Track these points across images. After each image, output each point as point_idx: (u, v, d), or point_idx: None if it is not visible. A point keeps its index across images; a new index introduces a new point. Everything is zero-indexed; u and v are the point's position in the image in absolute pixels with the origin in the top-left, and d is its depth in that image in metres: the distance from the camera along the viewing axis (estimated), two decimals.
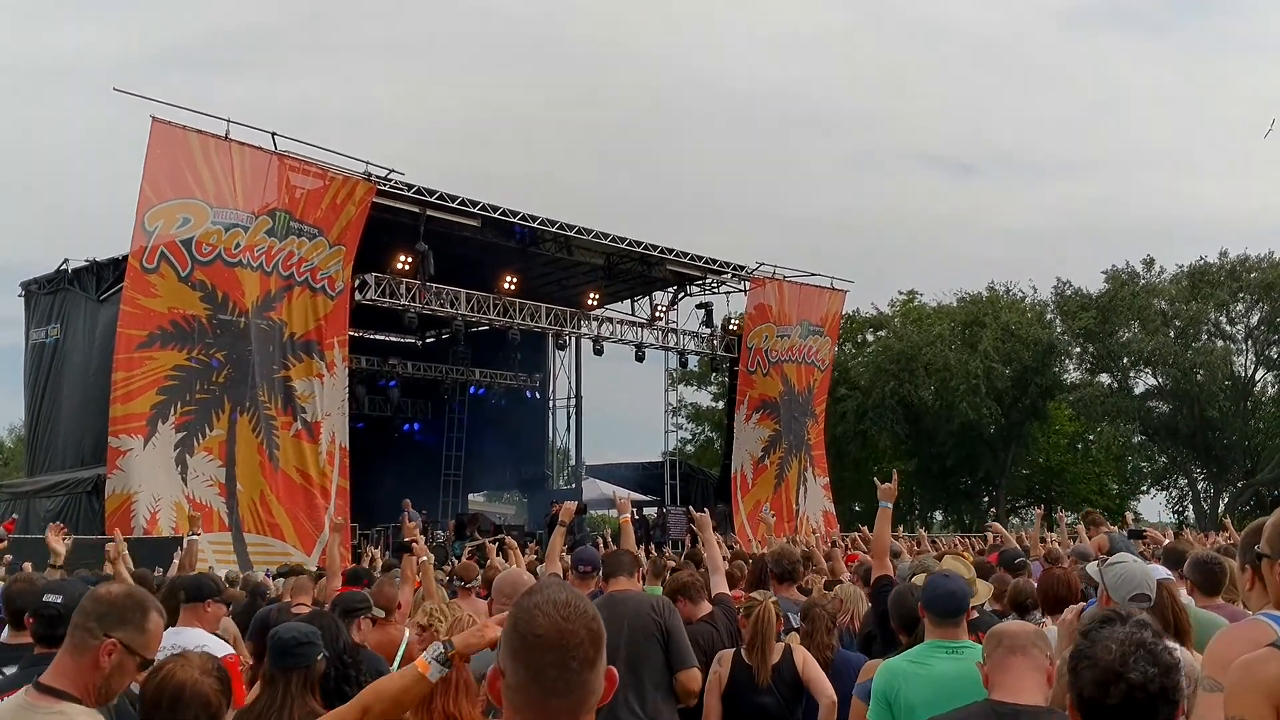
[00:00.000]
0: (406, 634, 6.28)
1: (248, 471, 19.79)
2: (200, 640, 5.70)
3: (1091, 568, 5.32)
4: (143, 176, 19.00)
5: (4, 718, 3.24)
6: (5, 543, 9.71)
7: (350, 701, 3.58)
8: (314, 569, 13.04)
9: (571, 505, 8.79)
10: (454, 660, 3.46)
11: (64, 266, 22.71)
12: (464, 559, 10.01)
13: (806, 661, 5.96)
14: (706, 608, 7.14)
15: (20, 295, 23.90)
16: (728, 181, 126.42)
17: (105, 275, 21.55)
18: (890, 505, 6.99)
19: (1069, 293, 47.43)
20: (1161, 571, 5.55)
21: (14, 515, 19.85)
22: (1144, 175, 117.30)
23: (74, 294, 22.32)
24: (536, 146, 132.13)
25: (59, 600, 4.06)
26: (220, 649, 5.83)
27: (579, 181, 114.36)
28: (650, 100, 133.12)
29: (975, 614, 5.52)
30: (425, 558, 8.45)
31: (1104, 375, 47.89)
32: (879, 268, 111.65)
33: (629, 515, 8.54)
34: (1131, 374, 47.48)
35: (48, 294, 23.15)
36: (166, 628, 5.79)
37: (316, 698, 4.45)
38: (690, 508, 9.64)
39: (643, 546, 20.75)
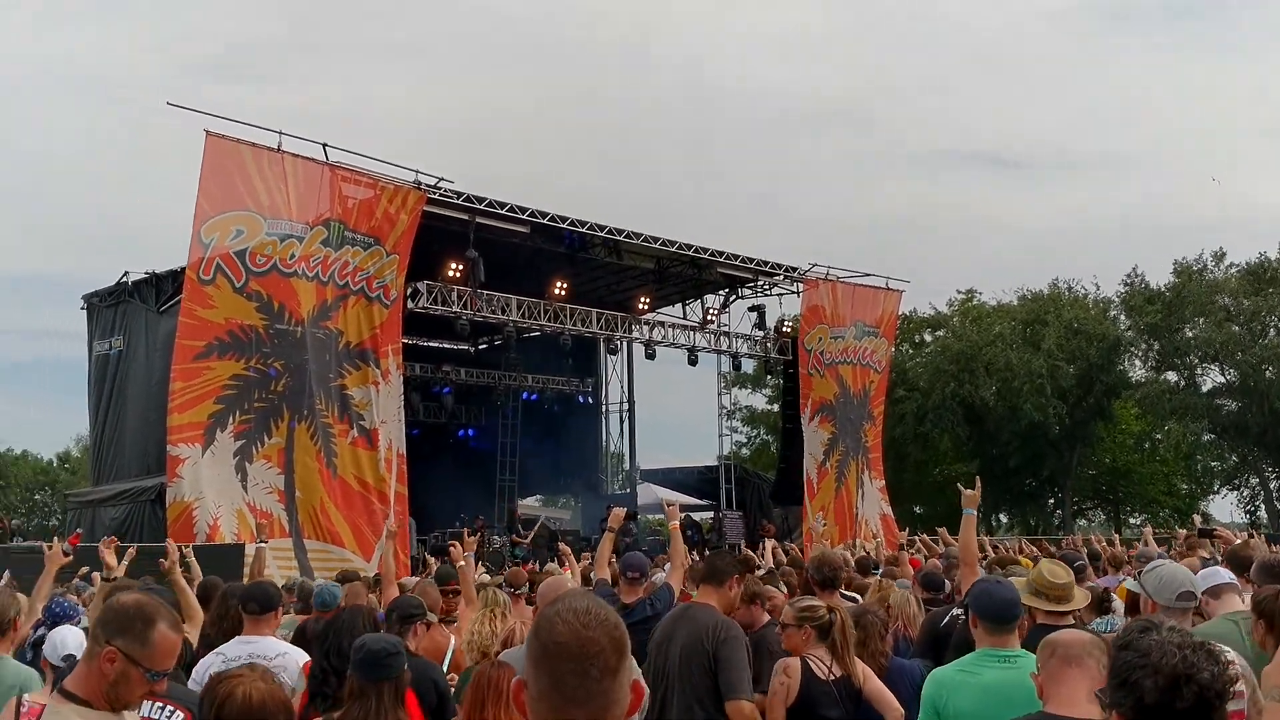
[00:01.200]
0: (453, 640, 6.85)
1: (306, 479, 20.22)
2: (278, 648, 6.08)
3: (1130, 582, 5.45)
4: (198, 189, 19.45)
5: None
6: (70, 556, 10.18)
7: None
8: (374, 575, 13.41)
9: (620, 511, 8.87)
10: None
11: (124, 279, 23.33)
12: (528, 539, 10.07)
13: (868, 675, 5.89)
14: (764, 617, 7.13)
15: (83, 308, 24.64)
16: (780, 185, 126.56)
17: (165, 287, 22.11)
18: (974, 512, 7.03)
19: (1139, 285, 46.91)
20: (1225, 575, 5.76)
21: (79, 528, 20.46)
22: (1202, 171, 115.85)
23: (134, 306, 22.94)
24: (584, 153, 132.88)
25: None
26: (299, 656, 6.07)
27: (628, 187, 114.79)
28: (698, 103, 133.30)
29: (1070, 620, 5.49)
30: (461, 563, 8.53)
31: (1170, 372, 47.36)
32: (937, 267, 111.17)
33: (678, 521, 8.51)
34: (1199, 370, 46.96)
35: (109, 306, 23.79)
36: (234, 636, 6.30)
37: (404, 708, 4.61)
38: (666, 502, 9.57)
39: (694, 552, 21.13)
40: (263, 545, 10.53)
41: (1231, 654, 3.76)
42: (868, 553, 16.22)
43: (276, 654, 5.95)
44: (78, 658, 4.63)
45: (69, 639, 5.23)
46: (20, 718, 4.50)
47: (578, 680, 2.08)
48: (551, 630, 2.13)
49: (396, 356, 22.18)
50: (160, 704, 4.28)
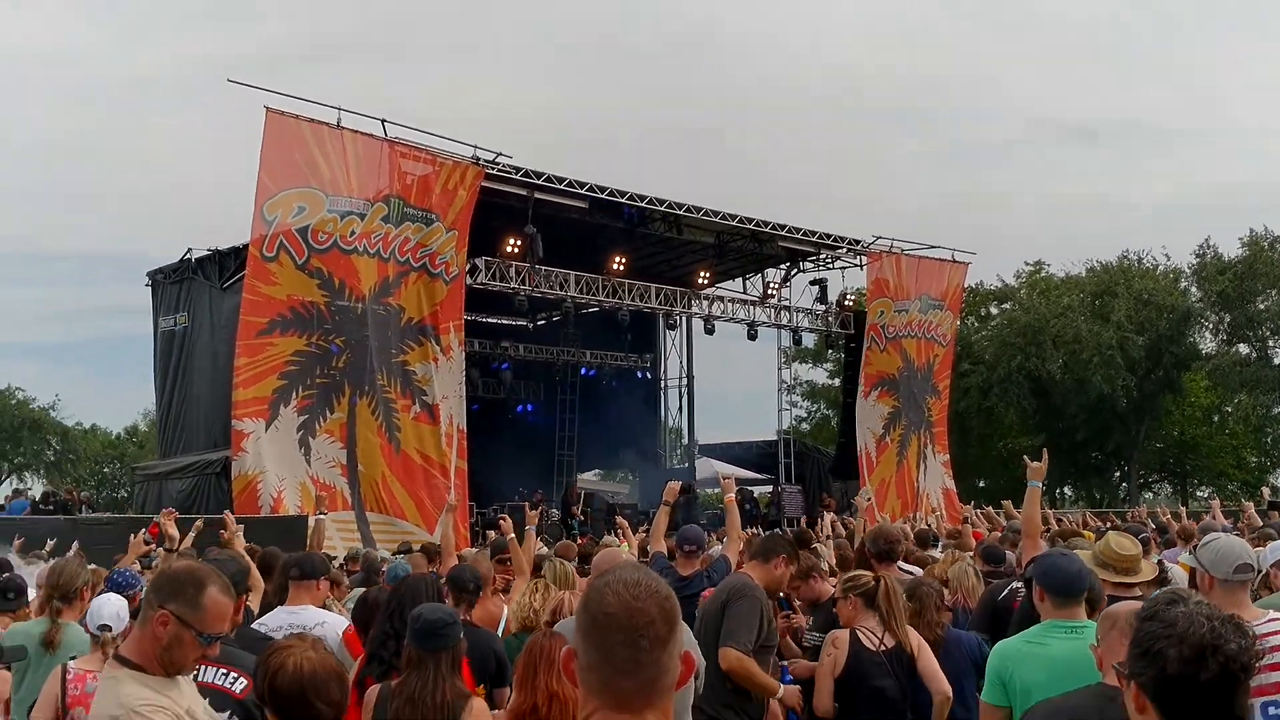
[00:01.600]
0: (505, 610, 6.92)
1: (368, 453, 20.45)
2: (319, 618, 6.13)
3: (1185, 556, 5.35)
4: (260, 166, 19.62)
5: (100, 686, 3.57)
6: (151, 546, 10.42)
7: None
8: (435, 546, 13.53)
9: (676, 485, 8.90)
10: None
11: (188, 256, 23.57)
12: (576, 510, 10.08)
13: (922, 648, 5.92)
14: (828, 589, 7.18)
15: (147, 285, 24.95)
16: (846, 158, 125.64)
17: (227, 264, 22.32)
18: (1039, 485, 6.92)
19: (1210, 257, 46.17)
20: None
21: (156, 519, 20.80)
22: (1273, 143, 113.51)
23: (199, 283, 23.18)
24: (642, 134, 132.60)
25: None
26: (339, 623, 6.20)
27: (687, 167, 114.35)
28: (765, 80, 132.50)
29: (1139, 591, 5.39)
30: (511, 535, 8.64)
31: (1241, 345, 46.72)
32: (1003, 241, 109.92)
33: (733, 495, 8.55)
34: (1271, 343, 46.34)
35: (173, 283, 24.04)
36: (277, 605, 6.42)
37: (460, 676, 4.67)
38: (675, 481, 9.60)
39: (753, 527, 21.11)
40: (322, 517, 10.58)
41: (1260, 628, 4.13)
42: (929, 526, 16.25)
43: (316, 623, 6.01)
44: (112, 627, 5.08)
45: (104, 608, 5.27)
46: (67, 684, 4.84)
47: (627, 651, 2.09)
48: (601, 601, 2.15)
49: (458, 333, 22.29)
50: (224, 670, 4.33)
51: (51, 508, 24.24)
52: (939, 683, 5.79)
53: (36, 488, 47.50)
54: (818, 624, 6.82)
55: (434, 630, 4.56)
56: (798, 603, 7.82)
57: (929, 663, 5.88)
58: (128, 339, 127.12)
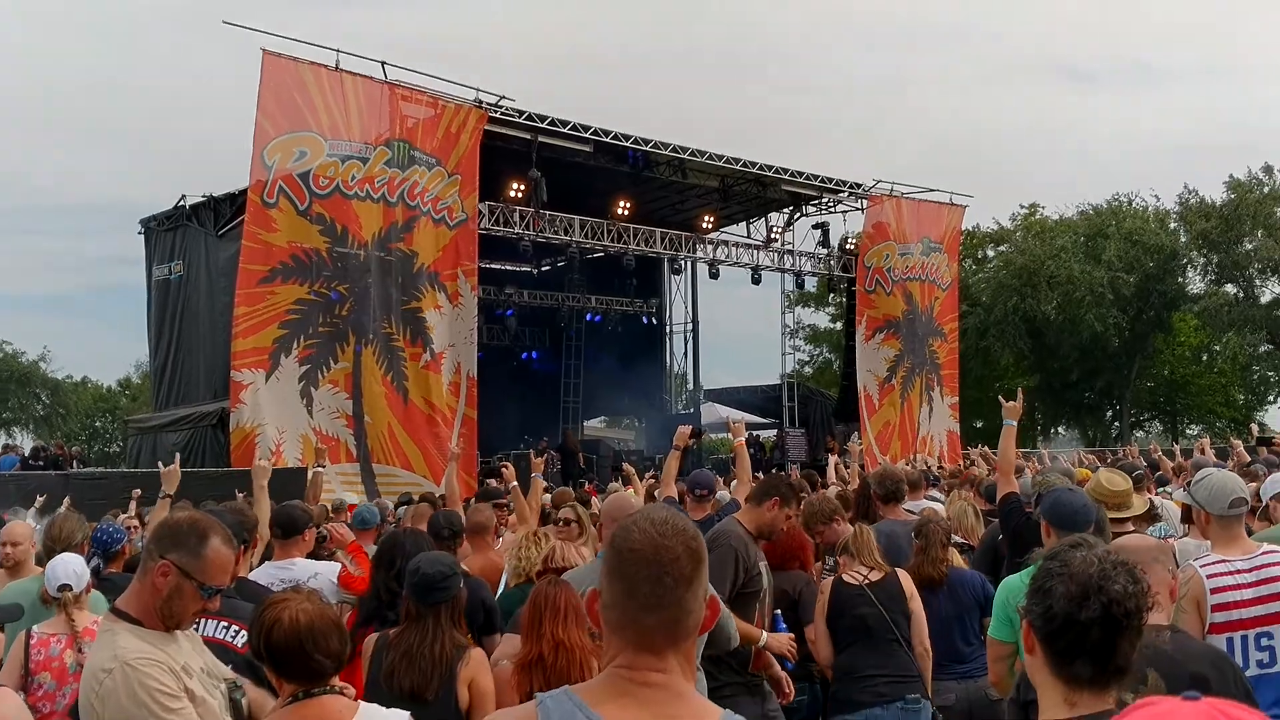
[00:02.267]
0: (520, 557, 6.38)
1: (373, 403, 19.59)
2: (311, 569, 6.03)
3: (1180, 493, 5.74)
4: (257, 110, 18.64)
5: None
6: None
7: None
8: (439, 496, 12.89)
9: (686, 429, 8.52)
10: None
11: (181, 203, 22.55)
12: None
13: (914, 595, 6.06)
14: (846, 528, 7.03)
15: (140, 233, 23.83)
16: (844, 102, 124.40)
17: (223, 211, 21.34)
18: (1015, 424, 6.95)
19: (1193, 202, 45.75)
20: None
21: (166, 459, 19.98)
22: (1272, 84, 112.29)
23: (193, 230, 22.14)
24: (646, 71, 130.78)
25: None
26: (330, 570, 6.12)
27: (690, 106, 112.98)
28: (764, 20, 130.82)
29: (1131, 526, 5.54)
30: (513, 484, 8.52)
31: (1229, 285, 46.31)
32: (1000, 182, 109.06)
33: (743, 439, 8.28)
34: (1258, 283, 45.84)
35: (167, 230, 23.00)
36: (264, 561, 6.26)
37: (462, 628, 4.65)
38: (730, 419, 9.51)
39: (756, 472, 20.32)
40: (320, 470, 10.32)
41: (1232, 570, 4.41)
42: (928, 467, 16.52)
43: (309, 575, 5.87)
44: (73, 586, 4.92)
45: (59, 569, 5.05)
46: (30, 649, 4.76)
47: (651, 587, 2.04)
48: (628, 537, 2.09)
49: (470, 279, 21.41)
50: (225, 623, 4.24)
51: (42, 463, 23.37)
52: (921, 635, 5.95)
53: (26, 443, 46.23)
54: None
55: (433, 584, 4.49)
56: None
57: (919, 611, 6.03)
58: (120, 289, 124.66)
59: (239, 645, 4.18)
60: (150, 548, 3.42)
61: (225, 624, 4.23)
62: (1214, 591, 4.40)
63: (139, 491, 13.13)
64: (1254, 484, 6.37)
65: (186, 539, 3.36)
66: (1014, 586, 4.71)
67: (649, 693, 2.03)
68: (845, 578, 6.08)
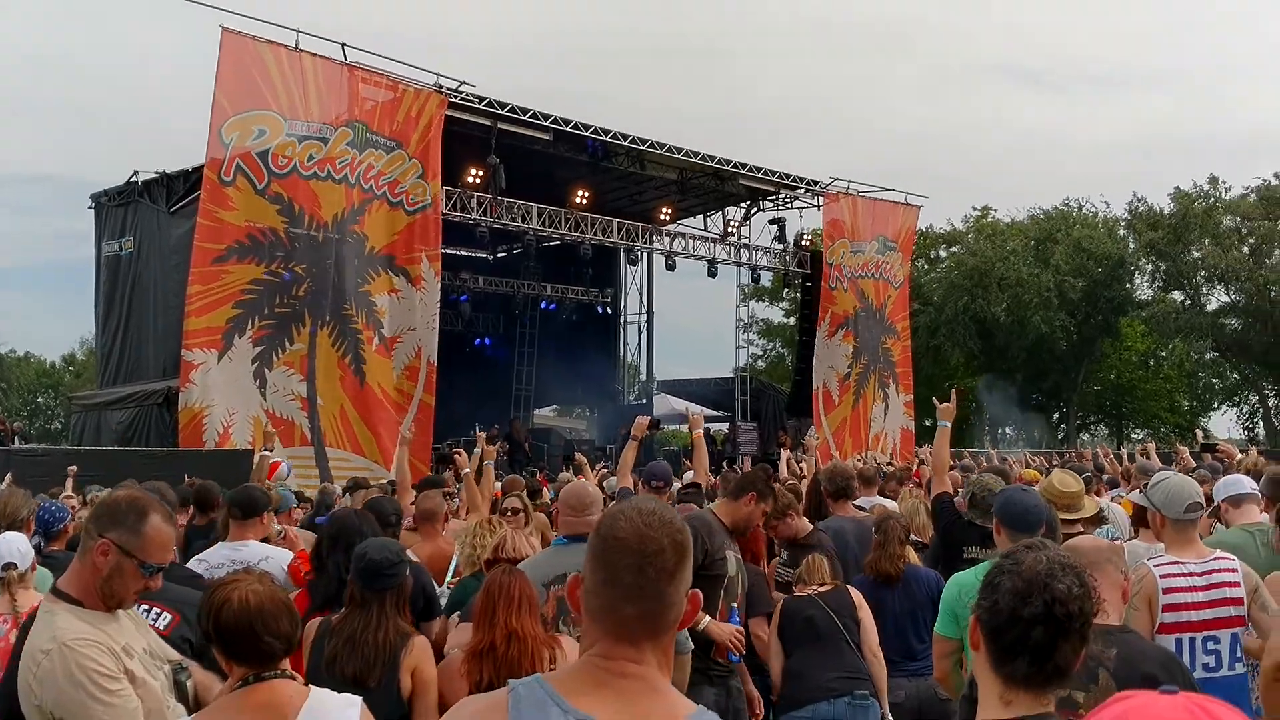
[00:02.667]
0: (458, 549, 6.48)
1: (328, 386, 19.45)
2: (263, 552, 5.93)
3: (1136, 495, 5.50)
4: (216, 87, 18.45)
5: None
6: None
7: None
8: (388, 482, 12.94)
9: (645, 420, 8.74)
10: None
11: (134, 179, 22.27)
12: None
13: (861, 604, 6.08)
14: (806, 525, 7.09)
15: (90, 208, 23.55)
16: (802, 98, 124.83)
17: (175, 187, 21.13)
18: (948, 424, 7.15)
19: (1141, 210, 46.54)
20: (1247, 484, 5.96)
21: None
22: (1223, 90, 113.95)
23: (145, 206, 21.89)
24: (608, 62, 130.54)
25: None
26: (283, 556, 5.99)
27: (651, 97, 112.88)
28: (725, 15, 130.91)
29: (1080, 528, 5.54)
30: (466, 470, 8.51)
31: (1176, 292, 47.25)
32: (953, 184, 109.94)
33: (700, 431, 8.55)
34: (1204, 291, 46.84)
35: (118, 206, 22.73)
36: (219, 541, 6.25)
37: (406, 615, 4.62)
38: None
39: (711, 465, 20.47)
40: (266, 454, 10.19)
41: (1185, 573, 4.51)
42: (878, 464, 16.65)
43: (260, 558, 5.75)
44: (19, 566, 4.79)
45: (2, 547, 4.86)
46: None
47: (633, 576, 2.04)
48: (614, 525, 2.10)
49: (434, 263, 21.29)
50: (147, 606, 4.11)
51: None
52: (870, 643, 5.96)
53: None
54: (792, 560, 6.74)
55: (379, 570, 4.45)
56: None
57: (868, 619, 6.03)
58: (67, 264, 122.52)
59: (161, 627, 4.11)
60: (89, 527, 3.40)
61: (146, 607, 4.12)
62: (1166, 592, 4.48)
63: (75, 468, 13.20)
64: (1204, 487, 6.48)
65: (125, 517, 3.34)
66: (965, 582, 4.76)
67: (624, 684, 2.03)
68: (797, 590, 6.16)
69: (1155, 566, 4.57)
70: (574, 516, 5.06)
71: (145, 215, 21.83)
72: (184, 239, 19.36)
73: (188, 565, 5.79)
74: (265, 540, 6.31)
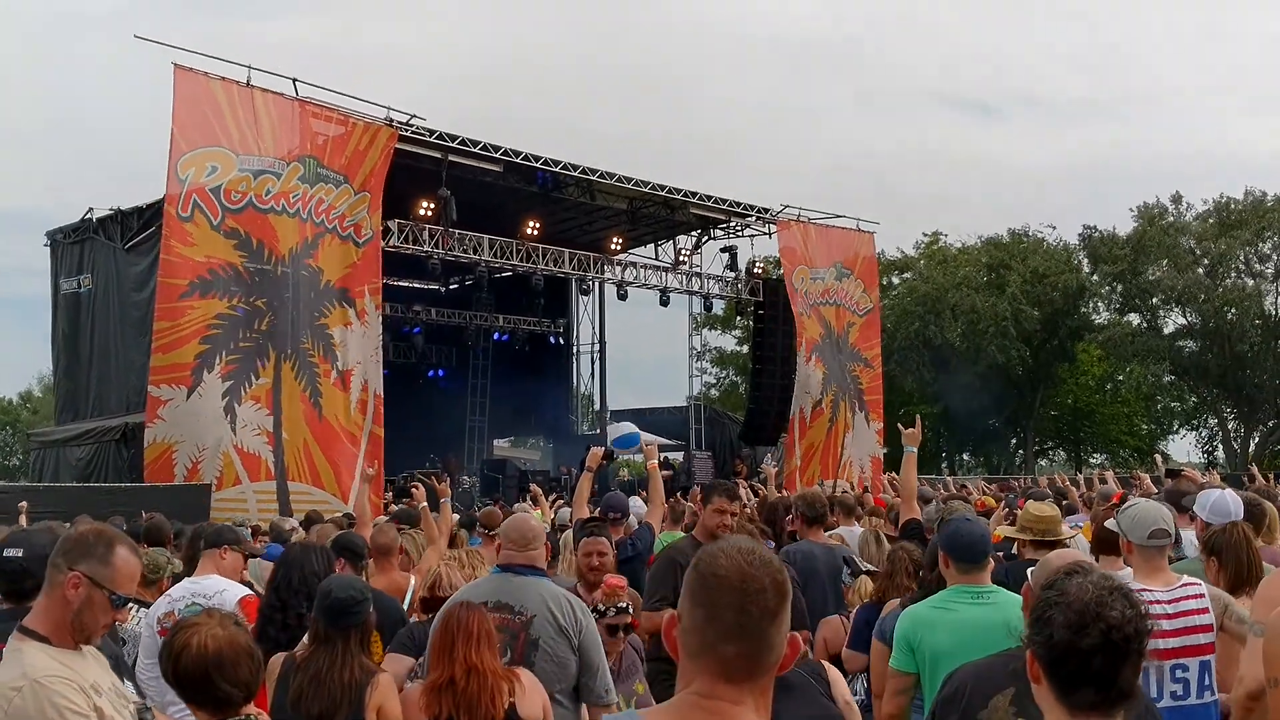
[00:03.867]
0: (413, 580, 6.78)
1: (292, 419, 19.92)
2: (218, 586, 5.99)
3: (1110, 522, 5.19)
4: (172, 123, 19.10)
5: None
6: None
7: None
8: (343, 515, 13.29)
9: (599, 451, 9.02)
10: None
11: (89, 215, 22.94)
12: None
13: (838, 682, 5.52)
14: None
15: (46, 245, 24.21)
16: (749, 125, 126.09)
17: (130, 224, 21.79)
18: (914, 450, 7.27)
19: (1096, 237, 47.06)
20: (1235, 507, 5.81)
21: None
22: (1165, 114, 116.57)
23: (100, 243, 22.54)
24: (556, 91, 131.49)
25: (19, 554, 3.95)
26: (237, 591, 6.02)
27: (599, 126, 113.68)
28: (670, 43, 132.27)
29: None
30: (423, 504, 8.49)
31: (1133, 315, 47.70)
32: (901, 210, 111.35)
33: (656, 461, 8.57)
34: (1161, 313, 47.24)
35: (74, 243, 23.38)
36: (184, 577, 6.31)
37: (368, 653, 4.67)
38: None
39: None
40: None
41: (1153, 600, 4.31)
42: (845, 492, 16.52)
43: (215, 591, 5.91)
44: None
45: None
46: None
47: (735, 615, 2.04)
48: (714, 563, 2.09)
49: (375, 296, 21.84)
50: None
51: None
52: (841, 692, 5.38)
53: None
54: None
55: (344, 608, 4.52)
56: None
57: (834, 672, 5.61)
58: (22, 300, 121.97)
59: None
60: (57, 561, 3.38)
61: None
62: None
63: (25, 504, 13.31)
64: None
65: (94, 548, 3.36)
66: (917, 615, 4.79)
67: None
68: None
69: None
70: (515, 550, 5.02)
71: (101, 252, 22.49)
72: (141, 275, 20.00)
73: (156, 601, 6.06)
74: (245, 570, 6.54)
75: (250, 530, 11.43)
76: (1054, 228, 49.74)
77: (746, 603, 2.04)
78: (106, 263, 22.33)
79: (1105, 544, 5.54)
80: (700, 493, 6.96)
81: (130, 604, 3.68)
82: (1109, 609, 2.45)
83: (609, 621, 5.35)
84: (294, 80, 21.07)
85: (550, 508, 12.79)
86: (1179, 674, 4.47)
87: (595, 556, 6.41)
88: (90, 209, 22.99)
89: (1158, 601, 4.47)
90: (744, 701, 2.05)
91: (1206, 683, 4.53)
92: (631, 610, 5.55)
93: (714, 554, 2.12)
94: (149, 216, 21.01)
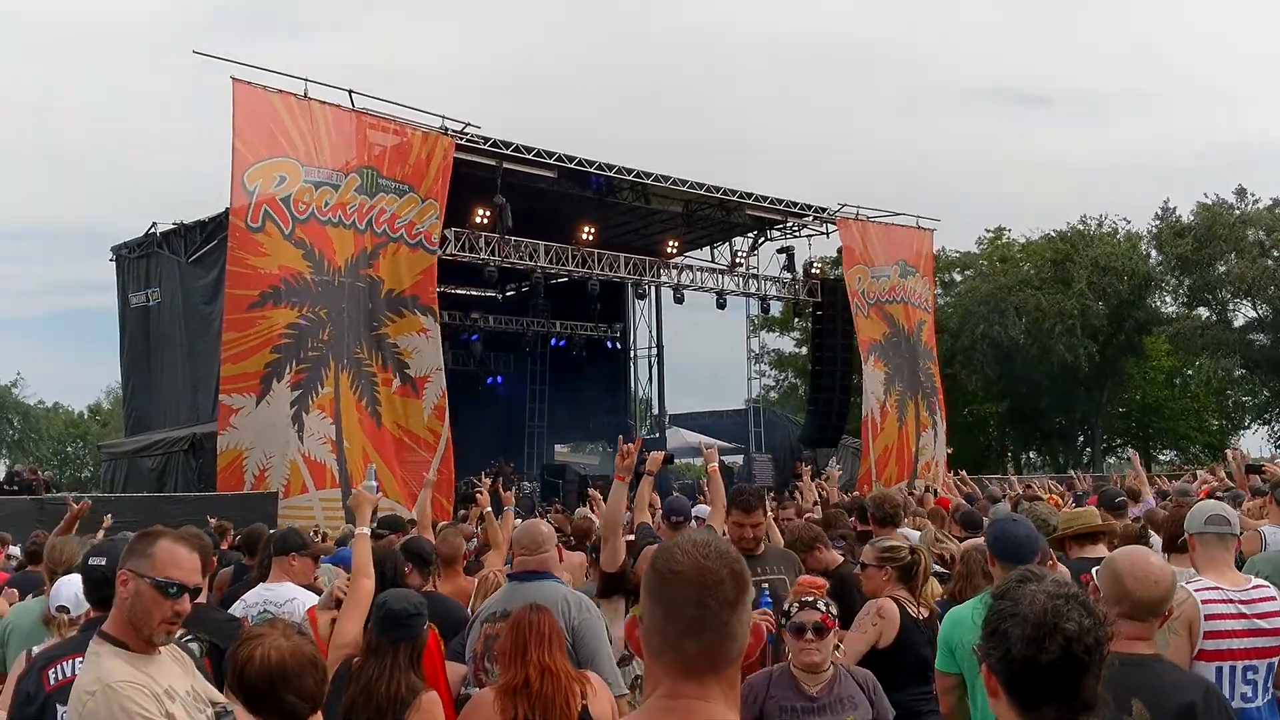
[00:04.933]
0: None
1: (351, 428, 20.27)
2: (289, 594, 6.11)
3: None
4: (234, 136, 19.51)
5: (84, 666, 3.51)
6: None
7: (344, 613, 4.32)
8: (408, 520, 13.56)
9: (659, 455, 8.87)
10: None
11: (153, 230, 23.53)
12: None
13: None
14: (836, 557, 7.39)
15: (111, 260, 24.89)
16: (806, 127, 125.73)
17: (193, 237, 22.37)
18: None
19: (1170, 220, 46.77)
20: None
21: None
22: (1219, 108, 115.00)
23: (165, 257, 23.16)
24: (601, 98, 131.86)
25: (103, 563, 3.98)
26: (307, 600, 6.06)
27: (652, 130, 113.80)
28: (726, 44, 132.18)
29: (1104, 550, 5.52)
30: (487, 509, 8.65)
31: (1202, 308, 47.41)
32: (960, 208, 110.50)
33: (716, 464, 8.48)
34: (1230, 306, 46.96)
35: (139, 258, 24.01)
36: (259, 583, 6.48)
37: (419, 671, 4.64)
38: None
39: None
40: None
41: (1224, 599, 4.39)
42: (926, 491, 16.51)
43: (286, 600, 6.04)
44: (70, 609, 4.99)
45: (63, 589, 5.16)
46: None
47: (695, 610, 2.06)
48: (670, 560, 2.12)
49: (433, 305, 22.15)
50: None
51: (16, 488, 23.88)
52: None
53: None
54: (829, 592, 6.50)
55: (398, 620, 4.56)
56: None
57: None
58: (91, 314, 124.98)
59: None
60: (114, 568, 3.58)
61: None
62: (1208, 618, 4.41)
63: (110, 516, 13.31)
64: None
65: (136, 545, 3.53)
66: (958, 617, 4.88)
67: None
68: (908, 609, 5.87)
69: (1196, 591, 4.47)
70: (526, 555, 5.22)
71: (166, 266, 23.14)
72: (206, 288, 20.54)
73: (233, 606, 6.24)
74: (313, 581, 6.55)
75: (322, 536, 11.71)
76: (1128, 221, 49.24)
77: (705, 596, 2.06)
78: (171, 276, 22.94)
79: (1175, 542, 5.62)
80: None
81: (190, 592, 3.51)
82: (1065, 619, 2.36)
83: (797, 619, 4.95)
84: (350, 92, 21.49)
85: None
86: (1249, 675, 4.39)
87: (748, 528, 6.52)
88: (154, 223, 23.62)
89: (1230, 600, 4.45)
90: (711, 697, 2.07)
91: (1268, 685, 4.47)
92: (827, 609, 5.06)
93: (670, 550, 2.15)
94: (211, 229, 21.53)
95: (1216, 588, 4.49)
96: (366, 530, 5.43)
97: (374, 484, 5.87)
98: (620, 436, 8.59)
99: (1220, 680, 4.29)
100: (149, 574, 3.43)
